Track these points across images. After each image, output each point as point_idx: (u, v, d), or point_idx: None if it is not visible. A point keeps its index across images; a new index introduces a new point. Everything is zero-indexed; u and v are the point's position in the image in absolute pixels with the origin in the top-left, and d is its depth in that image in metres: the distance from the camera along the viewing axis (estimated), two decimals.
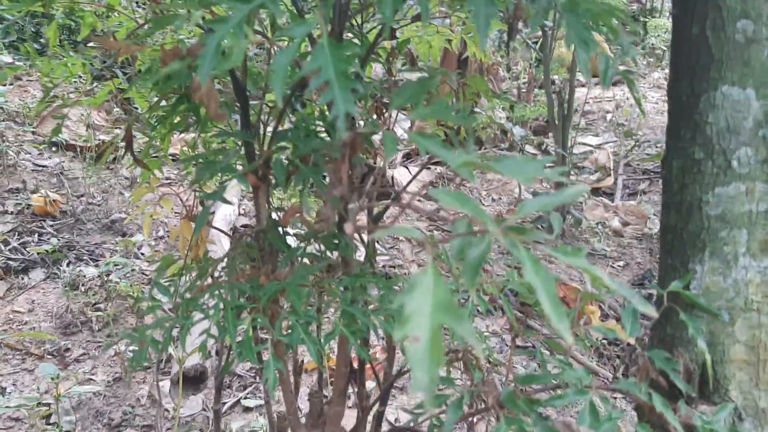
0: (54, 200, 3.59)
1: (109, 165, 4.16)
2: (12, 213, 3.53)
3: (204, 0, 0.92)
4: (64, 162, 4.11)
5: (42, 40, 5.20)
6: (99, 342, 2.77)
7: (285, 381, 1.27)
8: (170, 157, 1.62)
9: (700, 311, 1.10)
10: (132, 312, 2.93)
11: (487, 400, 0.96)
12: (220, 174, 1.11)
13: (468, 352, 1.14)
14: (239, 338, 1.03)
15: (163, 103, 1.23)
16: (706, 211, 1.10)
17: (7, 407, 2.14)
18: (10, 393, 2.41)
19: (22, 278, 3.12)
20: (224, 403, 2.44)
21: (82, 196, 3.86)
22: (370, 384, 2.17)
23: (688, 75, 1.13)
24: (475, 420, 1.24)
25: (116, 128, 4.60)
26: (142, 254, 3.44)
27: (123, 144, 1.30)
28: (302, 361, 1.49)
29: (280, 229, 1.20)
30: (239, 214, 3.96)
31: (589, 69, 0.80)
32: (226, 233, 1.55)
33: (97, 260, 3.30)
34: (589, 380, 1.00)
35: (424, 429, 1.17)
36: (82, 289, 2.99)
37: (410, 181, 1.45)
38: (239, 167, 1.16)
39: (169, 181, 4.14)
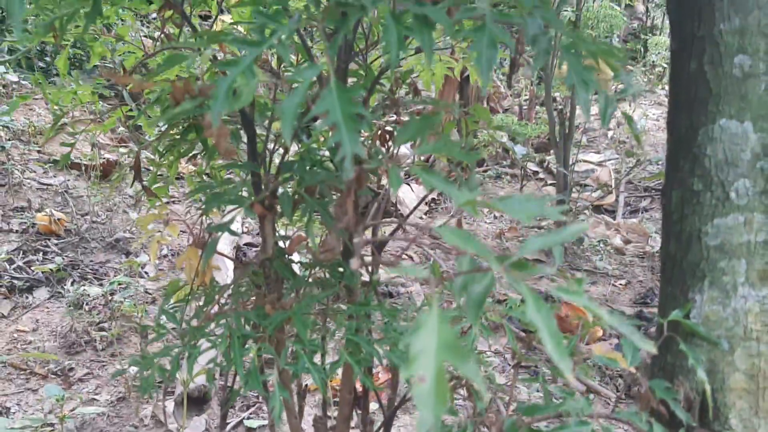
0: (58, 219, 3.61)
1: (113, 183, 4.18)
2: (17, 231, 3.56)
3: (214, 38, 0.95)
4: (68, 180, 4.14)
5: (47, 58, 5.26)
6: (103, 362, 2.78)
7: (289, 406, 1.28)
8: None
9: (700, 339, 1.12)
10: (136, 332, 2.94)
11: (490, 430, 0.97)
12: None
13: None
14: (245, 365, 1.05)
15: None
16: (706, 242, 1.12)
17: (12, 429, 2.14)
18: (14, 413, 2.41)
19: (27, 297, 3.13)
20: (227, 423, 2.44)
21: (86, 214, 3.89)
22: (373, 405, 2.18)
23: (686, 108, 1.15)
24: None
25: (121, 146, 4.64)
26: (146, 273, 3.46)
27: (130, 167, 1.32)
28: (305, 385, 1.51)
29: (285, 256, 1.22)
30: (242, 232, 3.98)
31: (589, 108, 0.82)
32: (230, 258, 1.57)
33: (102, 279, 3.32)
34: (590, 409, 1.01)
35: None
36: (86, 308, 3.00)
37: (416, 207, 1.47)
38: (245, 193, 1.18)
39: (173, 199, 4.16)
